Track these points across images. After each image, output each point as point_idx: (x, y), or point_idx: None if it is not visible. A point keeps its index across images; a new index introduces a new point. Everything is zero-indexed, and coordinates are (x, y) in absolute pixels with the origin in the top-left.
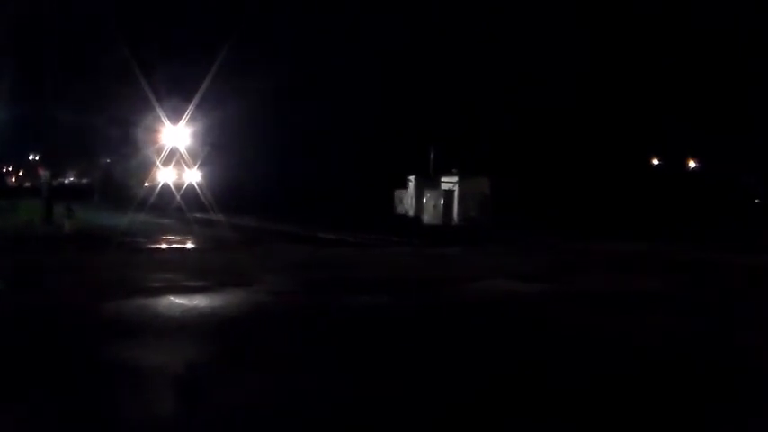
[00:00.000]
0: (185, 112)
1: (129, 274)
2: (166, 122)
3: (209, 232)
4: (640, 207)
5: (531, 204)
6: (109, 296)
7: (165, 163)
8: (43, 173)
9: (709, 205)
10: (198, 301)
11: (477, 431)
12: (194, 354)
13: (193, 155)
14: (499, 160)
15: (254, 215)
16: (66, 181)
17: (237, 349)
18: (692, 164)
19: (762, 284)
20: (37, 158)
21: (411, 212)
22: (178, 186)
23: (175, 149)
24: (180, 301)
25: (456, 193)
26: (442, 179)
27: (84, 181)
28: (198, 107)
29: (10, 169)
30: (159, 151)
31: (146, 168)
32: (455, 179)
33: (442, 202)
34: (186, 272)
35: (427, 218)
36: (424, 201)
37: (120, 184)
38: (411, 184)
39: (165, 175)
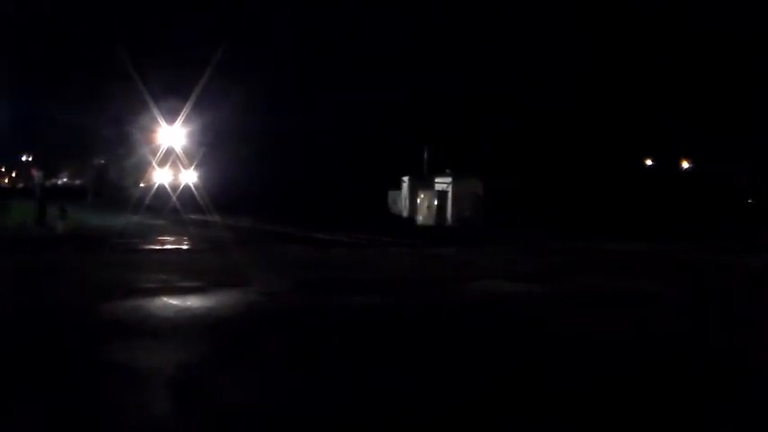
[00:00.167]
0: (181, 111)
1: (122, 274)
2: (162, 122)
3: (205, 233)
4: (636, 207)
5: (526, 205)
6: (101, 297)
7: (161, 163)
8: (36, 173)
9: (707, 205)
10: (191, 302)
11: (477, 431)
12: (187, 354)
13: (189, 155)
14: (494, 161)
15: (250, 216)
16: (60, 182)
17: (231, 350)
18: (685, 164)
19: (761, 285)
20: (30, 159)
21: (405, 213)
22: (174, 187)
23: (171, 150)
24: (174, 301)
25: (450, 194)
26: (436, 180)
27: (78, 182)
28: (194, 107)
29: (3, 170)
30: (155, 151)
31: (141, 169)
32: (449, 180)
33: (435, 203)
34: (181, 273)
35: (421, 218)
36: (418, 201)
37: (114, 185)
38: (405, 185)
39: (160, 176)
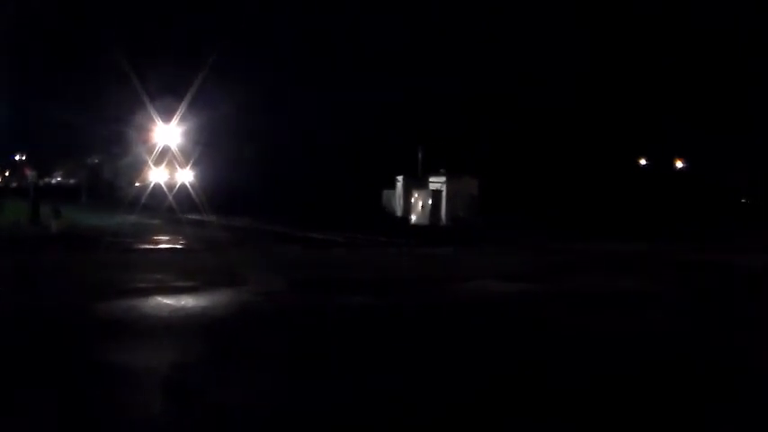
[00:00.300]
0: (177, 110)
1: (117, 274)
2: (158, 121)
3: (201, 233)
4: (635, 207)
5: (523, 204)
6: (95, 297)
7: (157, 162)
8: (30, 173)
9: (705, 205)
10: (186, 302)
11: (476, 431)
12: (181, 354)
13: (186, 154)
14: (491, 160)
15: (246, 215)
16: (54, 181)
17: (225, 349)
18: (679, 164)
19: (760, 285)
20: (24, 158)
21: (399, 212)
22: (170, 186)
23: (167, 149)
24: (168, 301)
25: (444, 193)
26: (430, 179)
27: (72, 181)
28: (190, 105)
29: None
30: (150, 150)
31: (136, 168)
32: (443, 179)
33: (430, 202)
34: (176, 272)
35: (415, 218)
36: (412, 201)
37: (109, 184)
38: (399, 185)
39: (156, 175)
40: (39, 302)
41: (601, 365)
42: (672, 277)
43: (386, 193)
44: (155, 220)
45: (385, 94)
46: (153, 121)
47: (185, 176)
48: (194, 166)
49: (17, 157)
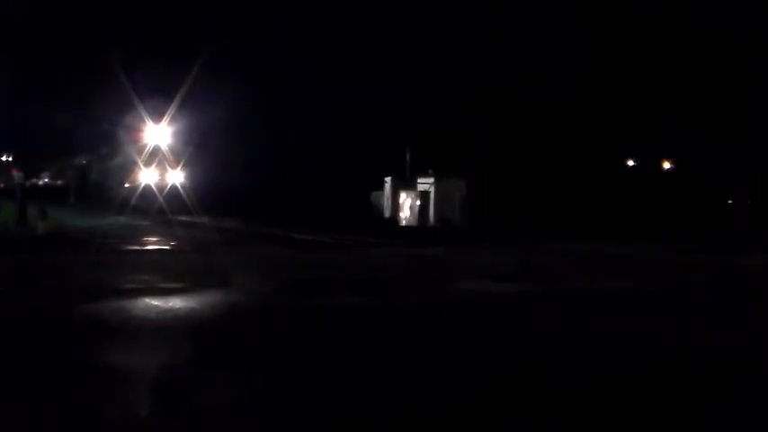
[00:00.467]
0: (167, 110)
1: (104, 276)
2: (148, 121)
3: (191, 234)
4: (633, 207)
5: (514, 205)
6: (81, 299)
7: (147, 163)
8: (16, 174)
9: (705, 205)
10: (174, 303)
11: (477, 430)
12: (169, 355)
13: (176, 155)
14: (481, 160)
15: (237, 217)
16: (41, 182)
17: (214, 350)
18: (666, 165)
19: (760, 285)
20: (10, 159)
21: (387, 213)
22: (161, 188)
23: (158, 149)
24: (156, 302)
25: (432, 194)
26: (419, 180)
27: (60, 182)
28: (181, 106)
29: None
30: (140, 151)
31: (126, 169)
32: (431, 180)
33: (418, 203)
34: (164, 274)
35: (404, 219)
36: (401, 202)
37: (98, 185)
38: (387, 186)
39: (146, 176)
40: (23, 304)
41: (595, 365)
42: (672, 277)
43: (374, 194)
44: (145, 221)
45: (381, 93)
46: (143, 121)
47: (176, 177)
48: (185, 166)
49: (4, 158)
